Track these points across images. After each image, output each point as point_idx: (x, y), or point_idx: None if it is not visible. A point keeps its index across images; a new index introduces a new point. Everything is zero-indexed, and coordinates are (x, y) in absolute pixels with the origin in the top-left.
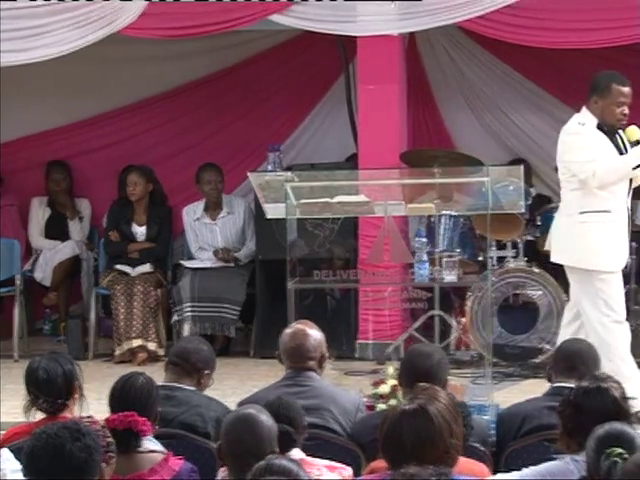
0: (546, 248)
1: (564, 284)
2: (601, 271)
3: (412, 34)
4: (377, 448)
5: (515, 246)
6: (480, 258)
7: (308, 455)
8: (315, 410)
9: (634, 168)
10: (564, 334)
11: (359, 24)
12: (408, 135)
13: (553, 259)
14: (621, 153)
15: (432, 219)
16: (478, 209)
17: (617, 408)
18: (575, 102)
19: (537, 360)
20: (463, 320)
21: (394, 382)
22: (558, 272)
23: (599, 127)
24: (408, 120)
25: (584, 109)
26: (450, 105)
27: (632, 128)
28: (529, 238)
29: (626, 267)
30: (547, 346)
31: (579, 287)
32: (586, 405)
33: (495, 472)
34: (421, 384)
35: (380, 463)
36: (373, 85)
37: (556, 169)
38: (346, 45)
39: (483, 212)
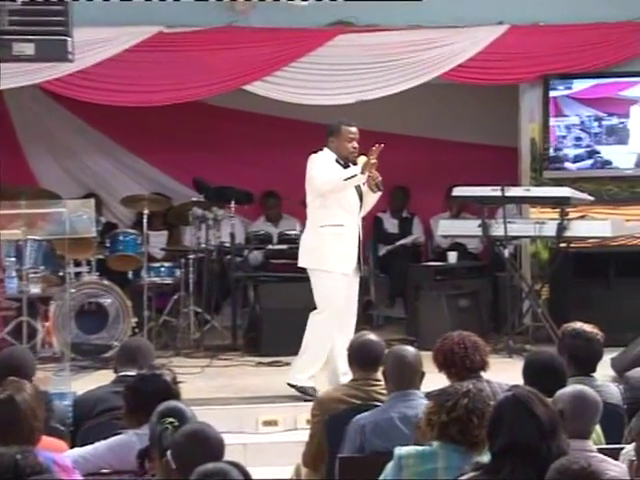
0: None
1: (127, 293)
2: (333, 272)
3: (0, 91)
4: None
5: (89, 263)
6: (60, 273)
7: None
8: None
9: (346, 179)
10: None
11: None
12: None
13: (300, 264)
14: None
15: (20, 242)
16: (58, 234)
17: (169, 389)
18: (136, 148)
19: (107, 354)
20: (47, 324)
21: None
22: (123, 283)
23: (337, 161)
24: None
25: (325, 149)
26: (34, 151)
27: (361, 158)
28: (100, 257)
29: None
30: (115, 343)
31: (314, 286)
32: (144, 388)
33: (72, 447)
34: (10, 378)
35: None
36: None
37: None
38: None
39: (62, 236)
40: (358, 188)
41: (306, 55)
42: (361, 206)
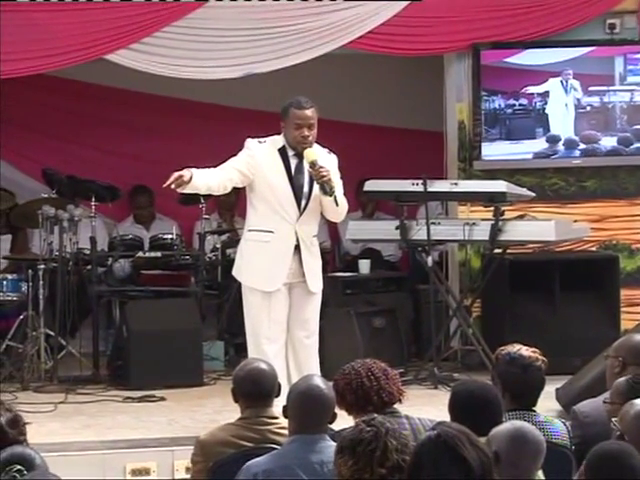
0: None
1: None
2: (251, 287)
3: None
4: None
5: None
6: None
7: None
8: None
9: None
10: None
11: None
12: None
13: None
14: (291, 176)
15: None
16: None
17: (2, 434)
18: None
19: None
20: None
21: None
22: None
23: (282, 150)
24: None
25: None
26: None
27: (307, 151)
28: None
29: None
30: None
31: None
32: None
33: None
34: None
35: None
36: None
37: None
38: None
39: None
40: (300, 189)
41: (182, 19)
42: (300, 211)
